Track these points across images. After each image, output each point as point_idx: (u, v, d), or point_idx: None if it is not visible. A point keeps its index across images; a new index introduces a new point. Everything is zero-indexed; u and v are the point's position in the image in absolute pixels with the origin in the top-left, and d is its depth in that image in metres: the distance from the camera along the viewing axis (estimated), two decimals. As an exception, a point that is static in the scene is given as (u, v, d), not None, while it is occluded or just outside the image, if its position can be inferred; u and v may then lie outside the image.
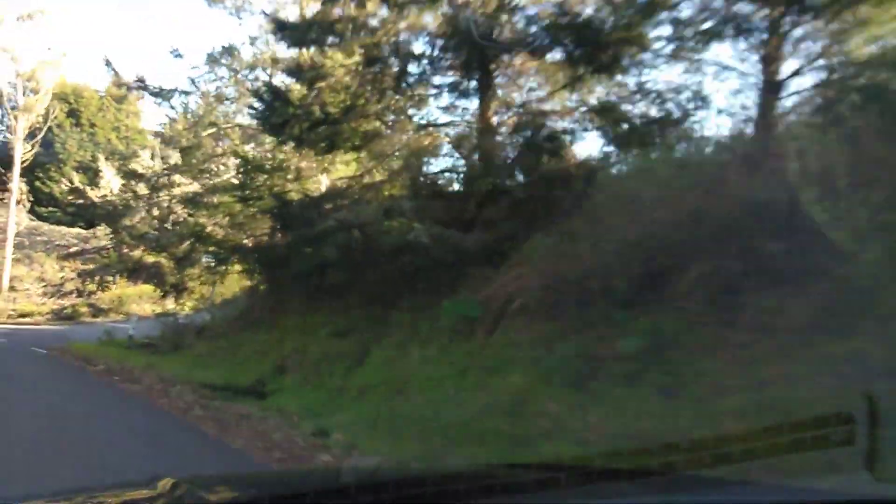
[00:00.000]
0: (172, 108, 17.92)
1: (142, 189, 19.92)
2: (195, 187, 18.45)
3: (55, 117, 37.55)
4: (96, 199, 34.45)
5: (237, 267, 15.88)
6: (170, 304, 32.49)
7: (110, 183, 34.15)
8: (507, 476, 2.32)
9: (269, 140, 14.93)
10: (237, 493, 2.18)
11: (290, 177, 12.82)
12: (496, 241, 7.89)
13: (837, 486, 2.13)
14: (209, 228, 14.77)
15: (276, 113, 10.62)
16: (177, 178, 17.20)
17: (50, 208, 40.21)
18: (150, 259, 20.67)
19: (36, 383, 10.16)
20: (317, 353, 8.96)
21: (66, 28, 61.90)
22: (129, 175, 20.58)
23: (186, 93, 17.61)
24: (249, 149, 15.19)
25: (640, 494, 1.98)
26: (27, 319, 29.68)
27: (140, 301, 31.04)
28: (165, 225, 19.84)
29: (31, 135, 34.84)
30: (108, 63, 17.57)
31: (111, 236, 23.94)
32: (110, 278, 32.83)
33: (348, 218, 9.38)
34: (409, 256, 7.83)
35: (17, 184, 33.86)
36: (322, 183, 13.69)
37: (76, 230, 38.81)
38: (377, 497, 1.86)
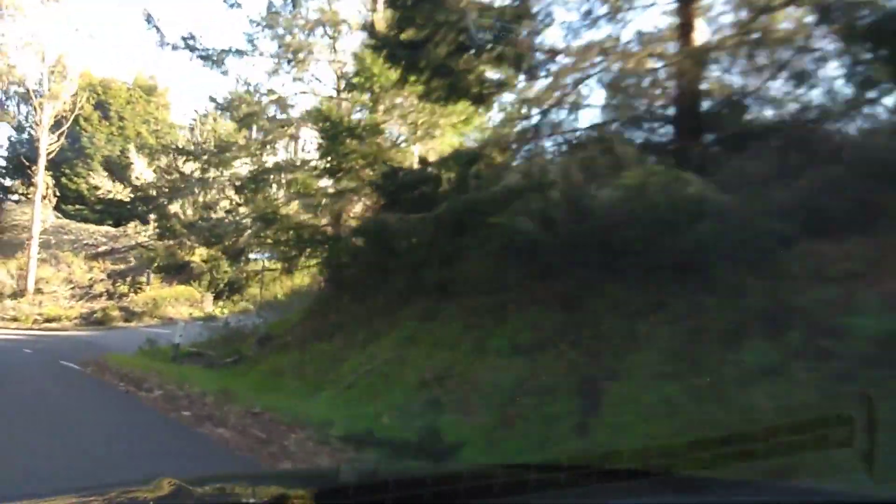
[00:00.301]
0: (224, 73, 14.67)
1: (188, 168, 16.90)
2: (250, 167, 15.42)
3: (81, 108, 34.90)
4: (136, 183, 31.68)
5: (307, 260, 12.86)
6: (210, 306, 29.74)
7: (142, 175, 31.47)
8: (506, 476, 2.30)
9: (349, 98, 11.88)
10: (238, 493, 2.12)
11: (396, 141, 9.73)
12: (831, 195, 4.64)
13: (837, 486, 2.04)
14: (283, 210, 11.72)
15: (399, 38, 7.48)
16: (231, 154, 14.22)
17: (77, 206, 37.59)
18: (199, 253, 17.62)
19: (71, 424, 7.09)
20: (495, 380, 5.79)
21: (92, 9, 59.57)
22: (176, 151, 17.58)
23: (241, 53, 14.60)
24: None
25: (641, 494, 1.95)
26: (54, 325, 26.91)
27: (176, 304, 28.16)
28: (212, 213, 16.80)
29: (56, 125, 32.23)
30: (148, 19, 14.55)
31: (156, 225, 20.92)
32: (143, 279, 30.03)
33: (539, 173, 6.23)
34: (698, 226, 4.57)
35: (42, 178, 31.25)
36: (429, 148, 10.57)
37: (104, 228, 36.15)
38: (377, 497, 1.84)
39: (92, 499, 1.91)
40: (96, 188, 36.42)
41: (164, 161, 19.15)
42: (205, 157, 14.67)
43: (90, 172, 38.21)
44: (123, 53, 78.08)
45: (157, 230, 18.24)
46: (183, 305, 28.36)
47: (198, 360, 14.90)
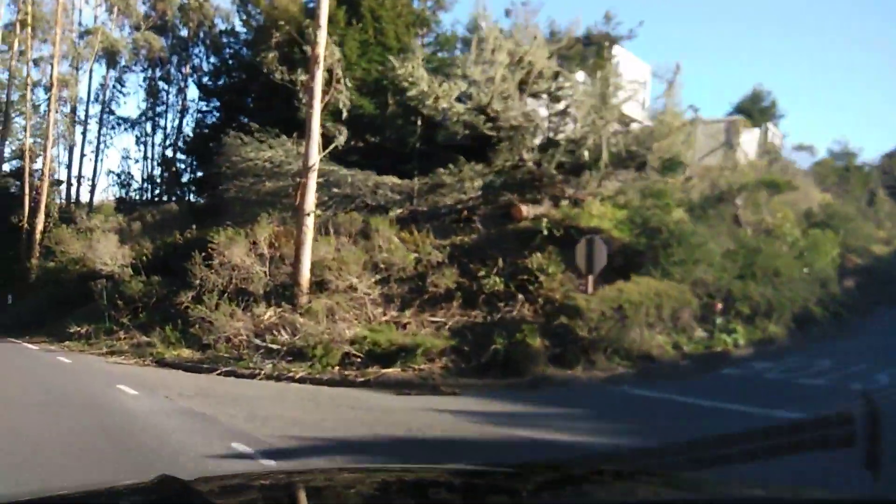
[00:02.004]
0: None
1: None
2: None
3: None
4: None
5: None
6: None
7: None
8: (506, 476, 2.30)
9: None
10: (240, 493, 2.15)
11: None
12: None
13: (837, 486, 2.23)
14: None
15: None
16: None
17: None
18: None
19: None
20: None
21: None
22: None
23: None
24: None
25: (640, 494, 1.97)
26: (398, 371, 11.68)
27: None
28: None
29: None
30: None
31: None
32: (546, 265, 14.40)
33: None
34: None
35: (319, 80, 16.07)
36: None
37: (390, 178, 21.12)
38: (377, 497, 1.94)
39: (92, 499, 1.88)
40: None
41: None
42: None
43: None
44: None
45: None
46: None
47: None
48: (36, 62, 31.67)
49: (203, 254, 17.09)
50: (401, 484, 2.06)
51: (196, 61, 44.83)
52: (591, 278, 13.02)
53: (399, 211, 19.46)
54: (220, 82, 37.95)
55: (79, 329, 17.14)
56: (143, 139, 44.38)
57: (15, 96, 33.48)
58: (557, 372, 11.73)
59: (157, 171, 42.18)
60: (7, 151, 34.56)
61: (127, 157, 43.18)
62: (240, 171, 21.79)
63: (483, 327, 14.09)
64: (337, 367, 12.19)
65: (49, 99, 29.64)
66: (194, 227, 21.52)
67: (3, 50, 33.15)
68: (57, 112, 29.86)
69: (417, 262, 16.27)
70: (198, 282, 16.92)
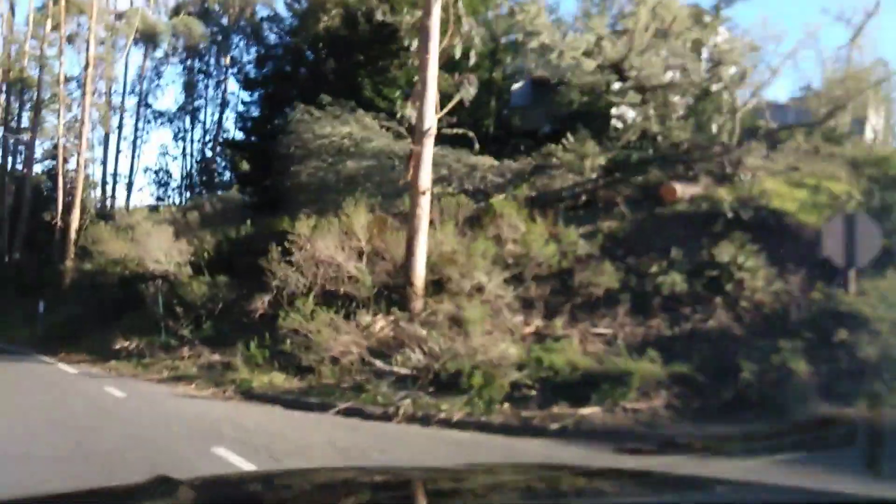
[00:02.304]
0: None
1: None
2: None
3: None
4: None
5: None
6: None
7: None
8: (506, 476, 2.28)
9: None
10: (239, 494, 2.11)
11: None
12: None
13: (837, 486, 2.04)
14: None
15: None
16: None
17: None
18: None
19: None
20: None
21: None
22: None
23: None
24: None
25: (640, 494, 1.94)
26: (596, 413, 7.95)
27: None
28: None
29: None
30: None
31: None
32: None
33: None
34: None
35: (437, 16, 12.28)
36: None
37: (485, 159, 17.41)
38: (376, 497, 1.91)
39: (91, 499, 1.85)
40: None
41: None
42: None
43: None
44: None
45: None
46: None
47: None
48: (70, 39, 28.50)
49: (279, 248, 13.56)
50: (399, 484, 2.02)
51: (235, 52, 41.91)
52: (852, 273, 9.13)
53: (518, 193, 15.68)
54: (265, 70, 34.80)
55: (127, 344, 13.67)
56: (181, 135, 41.41)
57: (47, 94, 30.61)
58: (836, 412, 7.88)
59: (203, 165, 39.13)
60: (39, 152, 31.74)
61: (165, 154, 39.91)
62: (311, 151, 18.23)
63: (674, 342, 10.32)
64: (506, 404, 8.45)
65: (84, 80, 26.43)
66: (247, 220, 18.03)
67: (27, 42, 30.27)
68: (93, 94, 26.67)
69: (559, 255, 12.50)
70: (276, 283, 13.38)
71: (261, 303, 13.47)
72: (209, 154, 39.90)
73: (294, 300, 13.35)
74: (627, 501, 1.92)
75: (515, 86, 23.01)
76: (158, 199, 34.49)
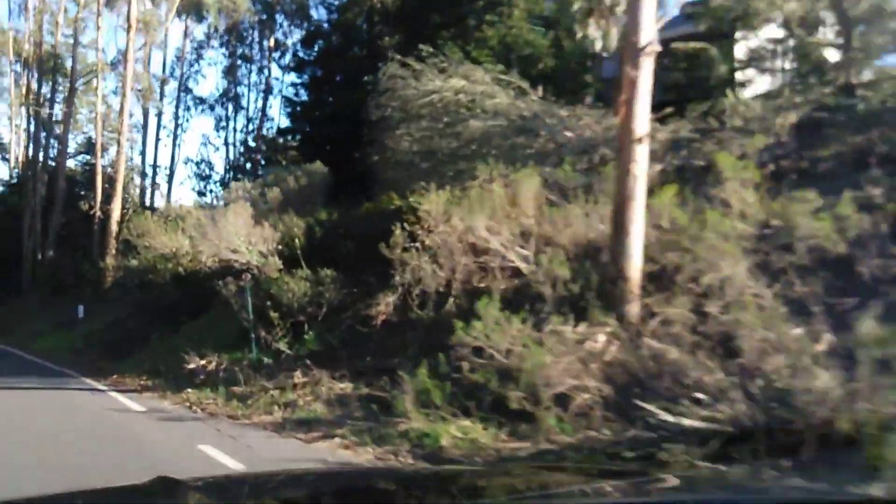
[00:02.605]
0: None
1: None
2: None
3: None
4: None
5: None
6: None
7: None
8: (507, 476, 2.28)
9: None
10: (238, 494, 2.11)
11: None
12: None
13: (837, 486, 2.03)
14: None
15: None
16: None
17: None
18: None
19: None
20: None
21: None
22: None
23: None
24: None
25: (640, 494, 1.93)
26: None
27: None
28: None
29: None
30: None
31: None
32: None
33: None
34: None
35: None
36: None
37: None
38: (376, 498, 1.85)
39: (93, 499, 1.87)
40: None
41: None
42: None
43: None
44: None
45: None
46: None
47: None
48: (110, 2, 25.06)
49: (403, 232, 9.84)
50: (398, 484, 1.99)
51: (279, 34, 38.57)
52: None
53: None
54: (314, 50, 31.29)
55: (204, 363, 9.90)
56: (222, 123, 38.08)
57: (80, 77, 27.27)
58: None
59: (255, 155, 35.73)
60: (72, 147, 28.54)
61: (207, 143, 36.58)
62: (411, 114, 14.48)
63: None
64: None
65: (126, 46, 22.99)
66: (335, 199, 14.29)
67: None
68: (135, 61, 23.20)
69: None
70: (401, 278, 9.66)
71: (384, 305, 9.73)
72: (252, 143, 36.59)
73: (426, 300, 9.65)
74: (627, 501, 1.85)
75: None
76: (199, 193, 31.11)
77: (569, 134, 13.30)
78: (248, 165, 34.67)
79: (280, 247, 11.61)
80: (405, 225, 10.24)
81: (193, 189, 35.96)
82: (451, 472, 2.66)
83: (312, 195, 13.64)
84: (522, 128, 13.57)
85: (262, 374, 9.31)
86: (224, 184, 34.62)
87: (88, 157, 31.20)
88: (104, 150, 26.87)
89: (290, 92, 34.36)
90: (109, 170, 25.56)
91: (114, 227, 21.91)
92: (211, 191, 36.70)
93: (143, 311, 16.67)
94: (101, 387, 10.19)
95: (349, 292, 10.45)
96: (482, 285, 9.64)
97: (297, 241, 11.55)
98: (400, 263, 9.75)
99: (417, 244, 10.09)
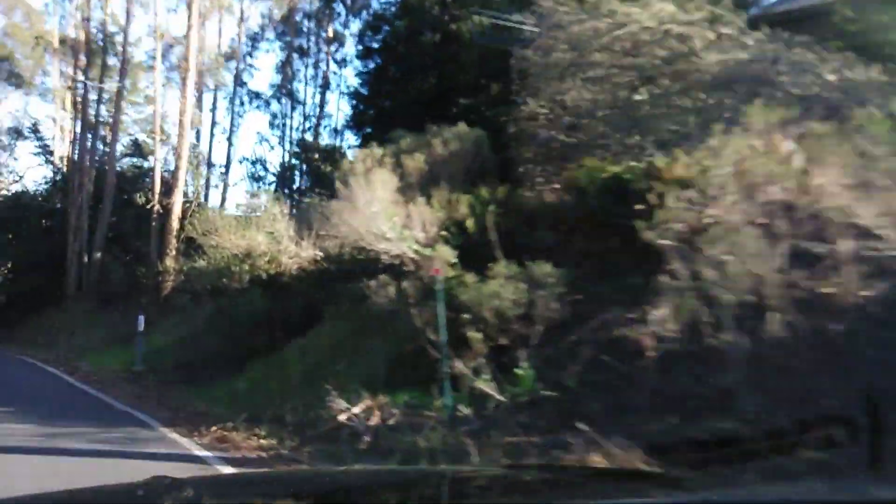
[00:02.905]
0: None
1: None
2: None
3: None
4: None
5: None
6: None
7: None
8: (506, 476, 2.27)
9: None
10: (237, 493, 2.07)
11: None
12: None
13: (837, 486, 1.99)
14: None
15: None
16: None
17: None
18: None
19: None
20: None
21: None
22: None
23: None
24: None
25: (641, 494, 1.89)
26: None
27: None
28: None
29: None
30: None
31: None
32: None
33: None
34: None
35: None
36: None
37: None
38: (377, 498, 1.84)
39: (91, 499, 1.86)
40: None
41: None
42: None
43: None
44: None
45: None
46: None
47: None
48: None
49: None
50: (396, 484, 1.97)
51: (337, 26, 35.33)
52: None
53: None
54: (380, 37, 27.75)
55: (357, 411, 6.02)
56: (277, 121, 34.84)
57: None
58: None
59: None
60: (119, 146, 25.29)
61: (264, 140, 33.27)
62: (585, 60, 10.58)
63: None
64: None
65: (190, 9, 19.54)
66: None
67: None
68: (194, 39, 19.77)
69: None
70: (679, 283, 5.79)
71: (656, 324, 5.86)
72: (310, 140, 33.20)
73: (720, 321, 5.81)
74: (627, 502, 1.79)
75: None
76: (252, 195, 27.74)
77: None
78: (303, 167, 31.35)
79: (443, 233, 7.81)
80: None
81: (247, 192, 32.68)
82: (452, 472, 2.45)
83: (461, 167, 9.84)
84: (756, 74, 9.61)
85: (471, 437, 5.47)
86: (280, 180, 31.24)
87: (135, 160, 28.10)
88: (162, 136, 23.45)
89: (349, 86, 31.11)
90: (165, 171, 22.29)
91: (174, 224, 18.43)
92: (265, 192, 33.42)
93: (221, 324, 13.08)
94: (199, 451, 6.31)
95: (575, 301, 6.57)
96: (827, 289, 5.76)
97: (469, 224, 7.72)
98: (677, 257, 5.89)
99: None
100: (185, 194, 20.22)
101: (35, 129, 30.48)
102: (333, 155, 27.11)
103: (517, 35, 12.25)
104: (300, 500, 1.85)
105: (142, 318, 13.50)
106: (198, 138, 29.50)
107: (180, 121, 18.75)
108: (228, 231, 15.17)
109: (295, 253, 14.48)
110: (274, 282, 13.19)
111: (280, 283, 12.81)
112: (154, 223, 19.28)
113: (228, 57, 27.42)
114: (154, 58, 23.22)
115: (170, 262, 18.08)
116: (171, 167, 21.16)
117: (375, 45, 27.21)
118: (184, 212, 18.92)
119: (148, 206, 19.73)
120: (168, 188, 19.66)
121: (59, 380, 12.75)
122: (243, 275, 14.59)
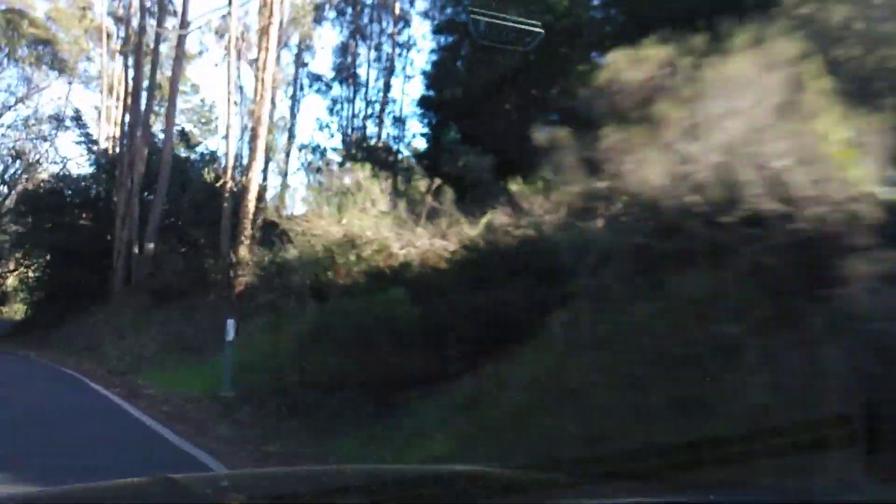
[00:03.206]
0: None
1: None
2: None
3: None
4: None
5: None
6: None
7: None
8: (506, 476, 2.22)
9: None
10: (237, 493, 2.05)
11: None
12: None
13: (837, 486, 1.97)
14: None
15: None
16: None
17: None
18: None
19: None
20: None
21: None
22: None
23: None
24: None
25: (640, 494, 1.87)
26: None
27: None
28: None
29: None
30: None
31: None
32: None
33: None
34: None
35: None
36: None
37: None
38: (377, 498, 1.82)
39: (92, 497, 1.80)
40: None
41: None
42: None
43: None
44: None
45: None
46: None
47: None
48: None
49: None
50: (396, 483, 1.95)
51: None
52: None
53: None
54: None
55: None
56: (338, 107, 31.41)
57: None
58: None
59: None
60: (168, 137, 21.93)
61: (324, 126, 29.83)
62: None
63: None
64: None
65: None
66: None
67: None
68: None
69: None
70: None
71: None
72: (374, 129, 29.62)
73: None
74: (627, 502, 1.78)
75: None
76: (340, 166, 24.15)
77: None
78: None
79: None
80: None
81: (303, 184, 29.32)
82: (452, 472, 2.28)
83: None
84: None
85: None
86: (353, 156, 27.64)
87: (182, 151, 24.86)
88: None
89: (441, 51, 27.51)
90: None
91: (250, 206, 14.84)
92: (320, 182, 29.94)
93: (338, 335, 9.41)
94: None
95: None
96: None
97: None
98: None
99: None
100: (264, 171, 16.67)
101: (77, 117, 27.56)
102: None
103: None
104: (300, 499, 1.81)
105: (231, 323, 9.88)
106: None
107: (261, 78, 15.18)
108: (327, 215, 11.81)
109: (408, 241, 11.21)
110: (411, 278, 9.65)
111: (426, 281, 9.18)
112: (226, 205, 15.66)
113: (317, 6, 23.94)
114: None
115: (243, 253, 14.51)
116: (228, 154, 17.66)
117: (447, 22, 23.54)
118: (260, 192, 15.33)
119: (217, 185, 16.19)
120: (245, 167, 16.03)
121: (115, 411, 9.05)
122: (351, 267, 11.12)
